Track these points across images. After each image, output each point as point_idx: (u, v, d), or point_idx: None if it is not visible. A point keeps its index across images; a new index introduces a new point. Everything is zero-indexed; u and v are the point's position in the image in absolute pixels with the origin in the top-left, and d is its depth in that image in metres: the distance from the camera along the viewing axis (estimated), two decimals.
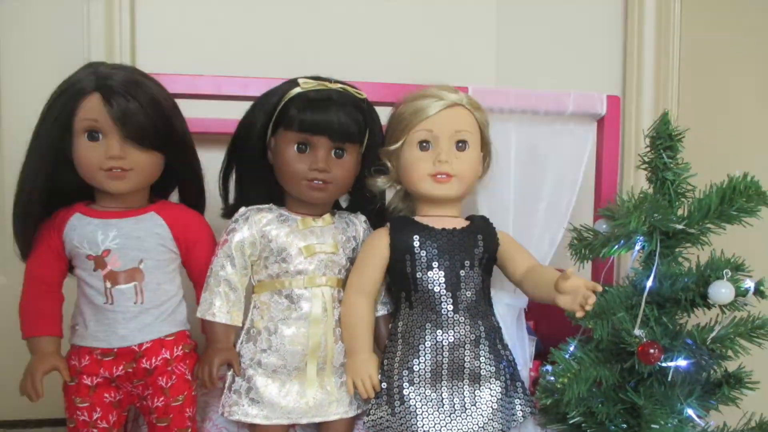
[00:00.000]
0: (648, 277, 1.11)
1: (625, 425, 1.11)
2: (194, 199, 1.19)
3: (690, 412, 1.08)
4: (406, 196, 1.23)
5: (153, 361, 1.06)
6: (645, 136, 1.18)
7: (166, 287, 1.10)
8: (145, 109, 1.02)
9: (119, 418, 1.10)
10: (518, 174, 1.35)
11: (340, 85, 1.10)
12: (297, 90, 1.08)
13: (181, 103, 1.13)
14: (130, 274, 1.06)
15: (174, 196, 1.20)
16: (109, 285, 1.05)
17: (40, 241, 1.08)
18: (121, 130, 1.02)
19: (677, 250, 1.15)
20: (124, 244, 1.06)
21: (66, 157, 1.05)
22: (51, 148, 1.03)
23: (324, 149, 1.08)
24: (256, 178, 1.16)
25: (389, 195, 1.26)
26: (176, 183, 1.20)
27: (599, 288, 0.99)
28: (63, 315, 1.09)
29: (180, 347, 1.09)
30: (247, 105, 1.15)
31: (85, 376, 1.05)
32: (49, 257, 1.08)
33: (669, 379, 1.08)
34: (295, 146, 1.09)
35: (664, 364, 1.07)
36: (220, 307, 1.09)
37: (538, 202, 1.37)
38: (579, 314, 1.00)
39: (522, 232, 1.32)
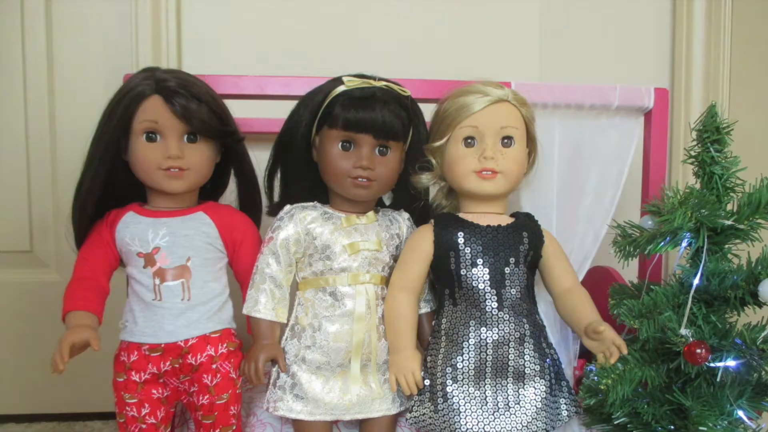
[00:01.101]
0: (695, 274, 1.08)
1: (672, 427, 1.08)
2: (251, 195, 1.23)
3: (740, 413, 1.05)
4: (449, 193, 1.22)
5: (198, 357, 1.08)
6: (692, 129, 1.15)
7: (213, 285, 1.12)
8: (205, 105, 1.08)
9: (167, 414, 1.13)
10: (562, 169, 1.33)
11: (384, 83, 1.10)
12: (341, 88, 1.09)
13: (225, 103, 1.15)
14: (178, 271, 1.09)
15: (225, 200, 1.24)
16: (158, 282, 1.08)
17: (92, 233, 1.13)
18: (185, 125, 1.07)
19: (726, 246, 1.11)
20: (173, 242, 1.10)
21: (122, 158, 1.10)
22: (109, 150, 1.08)
23: (368, 147, 1.09)
24: (301, 176, 1.17)
25: (432, 193, 1.26)
26: (224, 188, 1.24)
27: (624, 350, 1.07)
28: (105, 307, 1.10)
29: (225, 345, 1.11)
30: (290, 104, 1.16)
31: (133, 373, 1.08)
32: (99, 246, 1.11)
33: (718, 379, 1.06)
34: (340, 144, 1.09)
35: (712, 365, 1.05)
36: (266, 304, 1.11)
37: (583, 197, 1.35)
38: (599, 361, 1.07)
39: (565, 228, 1.31)
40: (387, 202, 1.26)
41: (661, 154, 1.40)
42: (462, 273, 1.10)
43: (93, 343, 0.99)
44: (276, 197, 1.22)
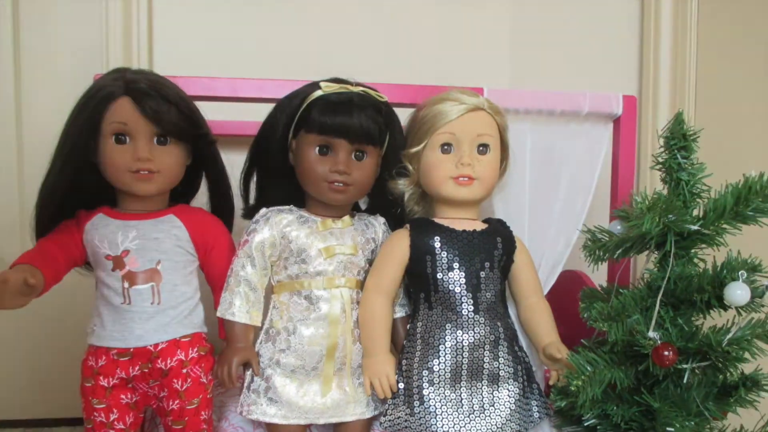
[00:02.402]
0: (662, 278, 1.10)
1: (640, 427, 1.10)
2: (223, 198, 1.21)
3: (706, 414, 1.07)
4: (421, 198, 1.23)
5: (168, 361, 1.07)
6: (659, 136, 1.18)
7: (183, 289, 1.11)
8: (175, 107, 1.05)
9: (136, 420, 1.11)
10: (533, 175, 1.35)
11: (361, 88, 1.11)
12: (318, 93, 1.09)
13: (198, 105, 1.14)
14: (148, 274, 1.07)
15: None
16: (127, 285, 1.06)
17: (59, 228, 1.10)
18: (155, 128, 1.04)
19: (692, 251, 1.13)
20: (143, 245, 1.08)
21: (89, 160, 1.07)
22: (76, 151, 1.05)
23: (344, 151, 1.09)
24: (277, 180, 1.17)
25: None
26: (195, 190, 1.22)
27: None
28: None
29: (195, 349, 1.10)
30: (263, 107, 1.16)
31: (101, 378, 1.06)
32: (67, 237, 1.08)
33: (684, 381, 1.08)
34: (316, 148, 1.09)
35: (679, 366, 1.07)
36: (240, 307, 1.10)
37: (554, 203, 1.36)
38: (552, 379, 1.14)
39: (537, 233, 1.33)
40: (363, 207, 1.27)
41: (629, 159, 1.42)
42: (438, 277, 1.11)
43: (29, 279, 0.92)
44: (251, 200, 1.21)
